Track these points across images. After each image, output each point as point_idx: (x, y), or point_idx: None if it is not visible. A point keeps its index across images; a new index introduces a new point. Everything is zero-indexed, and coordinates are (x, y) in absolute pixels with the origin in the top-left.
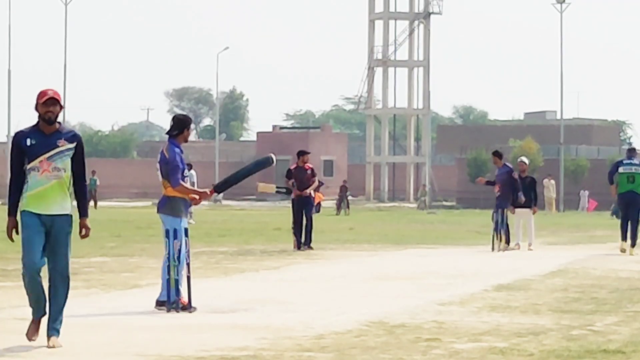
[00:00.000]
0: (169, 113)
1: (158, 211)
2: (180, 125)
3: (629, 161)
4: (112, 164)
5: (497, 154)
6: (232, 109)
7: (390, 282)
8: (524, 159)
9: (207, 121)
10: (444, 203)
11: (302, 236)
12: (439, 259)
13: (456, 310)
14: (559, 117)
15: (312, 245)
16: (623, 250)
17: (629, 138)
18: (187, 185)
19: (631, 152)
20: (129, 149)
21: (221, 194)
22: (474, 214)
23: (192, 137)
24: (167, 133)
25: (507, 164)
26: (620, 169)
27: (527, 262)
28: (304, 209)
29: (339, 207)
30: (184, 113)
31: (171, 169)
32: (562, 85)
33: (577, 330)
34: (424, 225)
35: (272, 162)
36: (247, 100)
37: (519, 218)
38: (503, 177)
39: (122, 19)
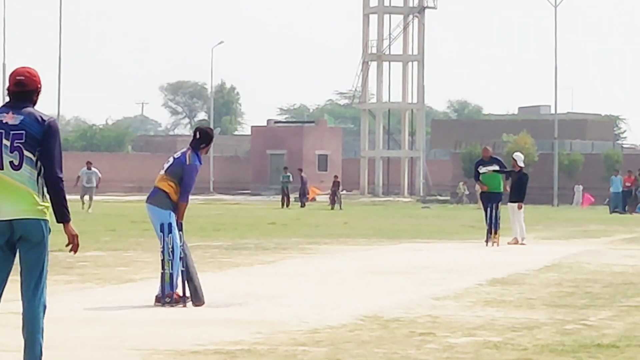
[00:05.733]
0: (163, 107)
1: (147, 201)
2: (207, 140)
3: None
4: (107, 158)
5: None
6: (223, 104)
7: (385, 276)
8: (516, 155)
9: (201, 115)
10: (438, 197)
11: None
12: (433, 253)
13: (450, 304)
14: (553, 111)
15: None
16: None
17: (623, 133)
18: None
19: None
20: (123, 143)
21: None
22: (468, 208)
23: (187, 131)
24: (192, 145)
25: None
26: None
27: (521, 257)
28: None
29: (332, 202)
30: (210, 127)
31: (186, 183)
32: (557, 80)
33: (571, 325)
34: (418, 220)
35: None
36: (237, 94)
37: (510, 213)
38: None
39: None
